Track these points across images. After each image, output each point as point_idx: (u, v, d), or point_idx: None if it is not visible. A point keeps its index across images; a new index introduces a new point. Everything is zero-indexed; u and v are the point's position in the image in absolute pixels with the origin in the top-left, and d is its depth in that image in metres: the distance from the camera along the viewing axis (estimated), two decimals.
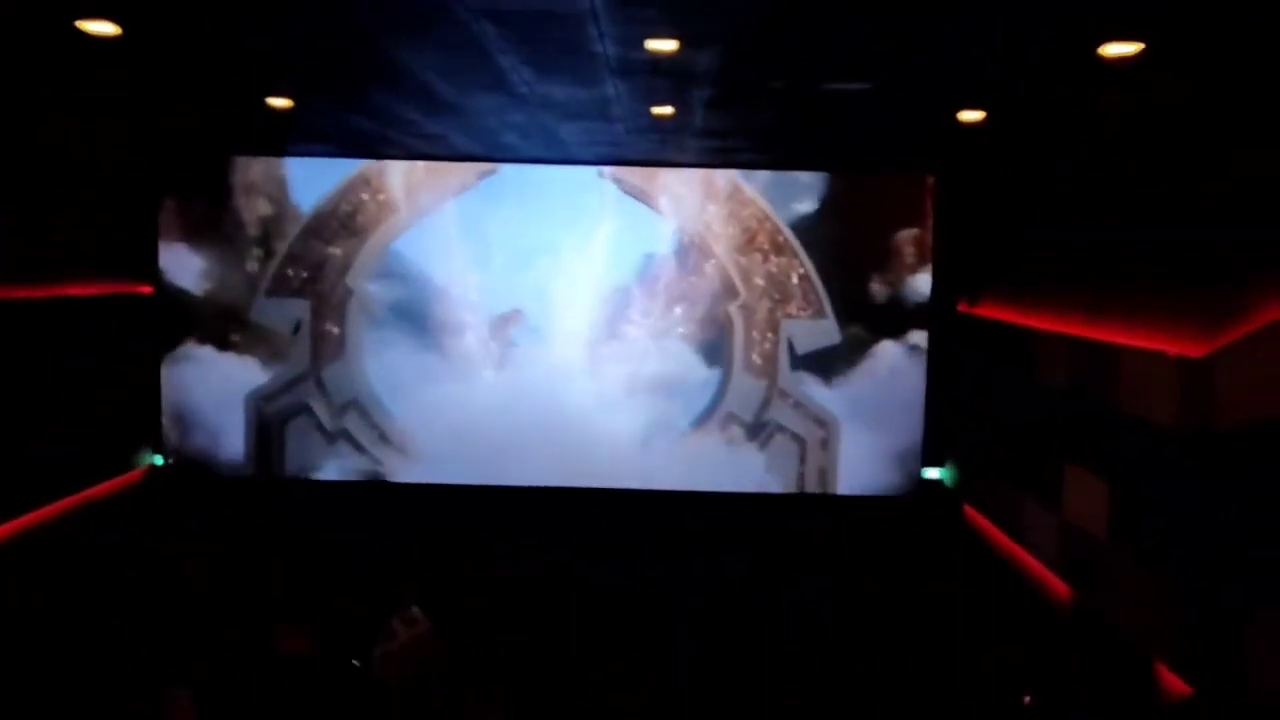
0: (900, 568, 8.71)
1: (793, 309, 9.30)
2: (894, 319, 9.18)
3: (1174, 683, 5.03)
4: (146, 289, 8.91)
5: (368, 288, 9.30)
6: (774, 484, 9.37)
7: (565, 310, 9.35)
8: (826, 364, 9.32)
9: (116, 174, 8.40)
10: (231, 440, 9.35)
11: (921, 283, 9.12)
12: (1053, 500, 6.62)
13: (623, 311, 9.33)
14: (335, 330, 9.39)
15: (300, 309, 9.32)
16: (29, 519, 7.18)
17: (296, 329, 9.37)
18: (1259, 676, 4.38)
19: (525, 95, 5.90)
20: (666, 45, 4.62)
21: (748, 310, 9.34)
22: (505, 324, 9.37)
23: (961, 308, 8.82)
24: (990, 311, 8.21)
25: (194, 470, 9.23)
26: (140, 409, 8.91)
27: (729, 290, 9.31)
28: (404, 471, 9.40)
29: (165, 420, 9.23)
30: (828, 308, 9.27)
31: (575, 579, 8.66)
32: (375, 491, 9.31)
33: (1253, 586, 4.42)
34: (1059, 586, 6.53)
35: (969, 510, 8.57)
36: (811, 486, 9.36)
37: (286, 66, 5.52)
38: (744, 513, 9.16)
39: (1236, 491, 4.55)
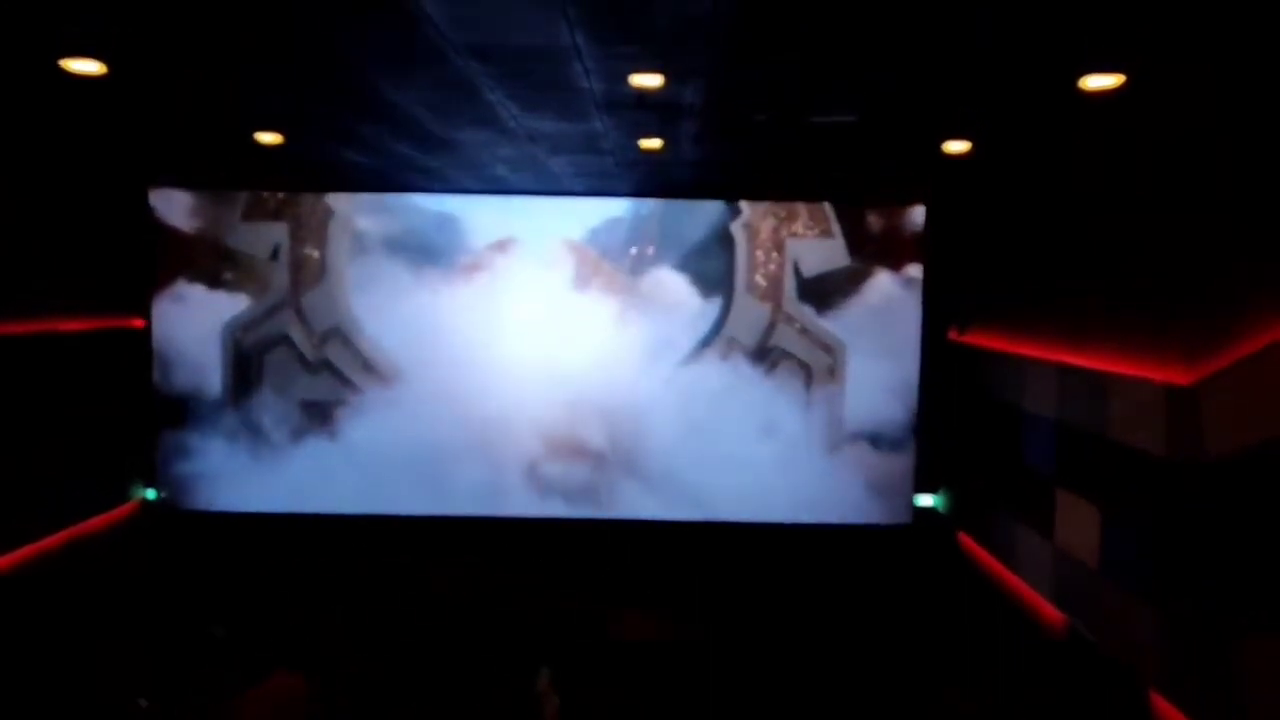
0: (895, 595, 8.68)
1: (799, 227, 8.97)
2: (892, 249, 8.92)
3: (1166, 709, 5.01)
4: (138, 323, 8.92)
5: (349, 208, 8.95)
6: (780, 412, 9.07)
7: (560, 231, 9.04)
8: (832, 288, 8.99)
9: (107, 210, 8.44)
10: (213, 375, 9.06)
11: (916, 215, 8.92)
12: (1045, 528, 6.61)
13: (619, 234, 9.03)
14: (315, 254, 9.02)
15: (278, 233, 8.97)
16: (23, 553, 7.17)
17: (275, 254, 9.01)
18: (1252, 703, 4.36)
19: (514, 129, 5.94)
20: (650, 81, 4.65)
21: (751, 229, 9.01)
22: (497, 249, 9.08)
23: (952, 336, 8.83)
24: (980, 339, 8.22)
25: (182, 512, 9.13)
26: (133, 443, 8.88)
27: (731, 207, 8.97)
28: (387, 401, 9.09)
29: (155, 358, 8.99)
30: (835, 227, 8.92)
31: (560, 603, 8.61)
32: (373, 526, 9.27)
33: (1243, 613, 4.41)
34: (1052, 613, 6.50)
35: (963, 537, 8.54)
36: (818, 414, 9.07)
37: (277, 104, 5.55)
38: (736, 540, 9.12)
39: (1225, 517, 4.55)
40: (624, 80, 4.69)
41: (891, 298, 8.99)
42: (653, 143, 6.29)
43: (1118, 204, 5.88)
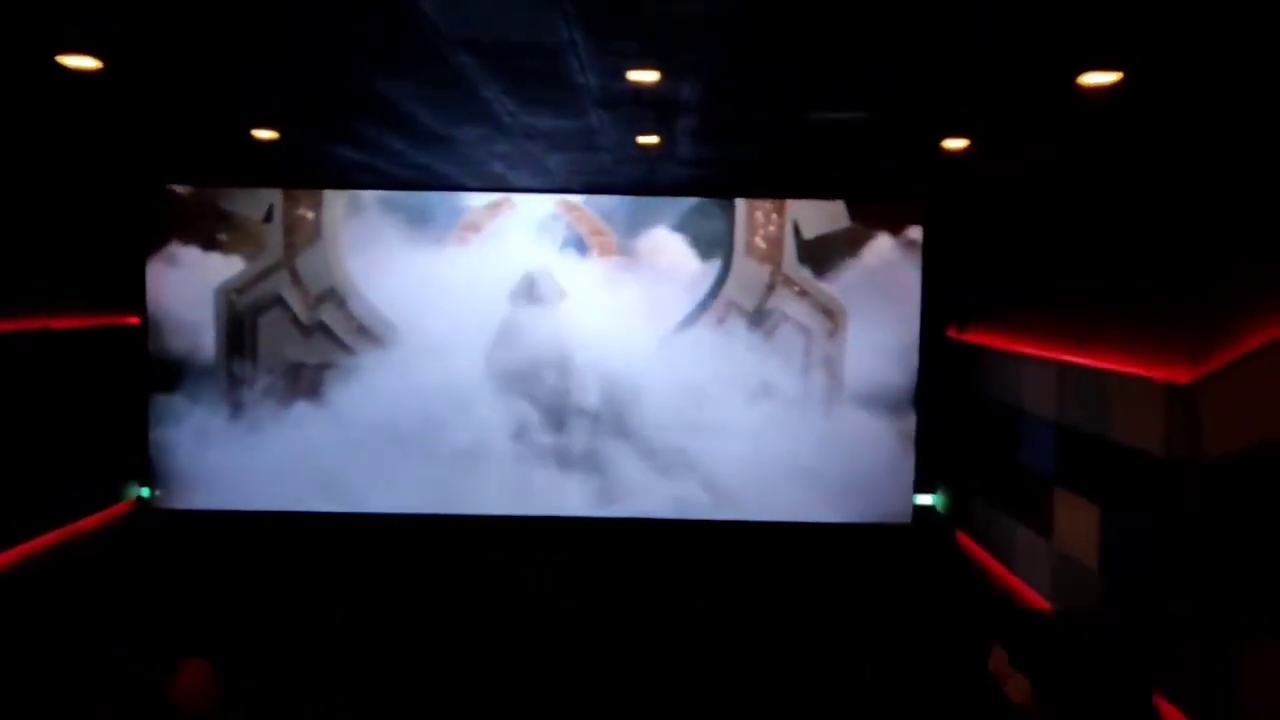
0: (892, 595, 8.65)
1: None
2: (891, 211, 8.83)
3: (1166, 710, 4.98)
4: (134, 320, 8.88)
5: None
6: (778, 377, 8.99)
7: (555, 191, 8.94)
8: (832, 250, 8.92)
9: (101, 206, 8.41)
10: (206, 338, 8.99)
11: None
12: (1044, 528, 6.59)
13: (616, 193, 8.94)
14: (310, 215, 8.95)
15: (273, 194, 8.92)
16: (16, 552, 7.15)
17: (269, 216, 8.94)
18: (1254, 705, 4.34)
19: (510, 126, 5.91)
20: (647, 76, 4.63)
21: None
22: (494, 210, 8.99)
23: (951, 334, 8.81)
24: (979, 338, 8.20)
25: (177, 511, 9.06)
26: (128, 441, 8.86)
27: None
28: (381, 364, 9.02)
29: (148, 322, 8.91)
30: None
31: (546, 600, 8.58)
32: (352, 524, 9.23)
33: (1242, 614, 4.39)
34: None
35: (962, 537, 8.52)
36: (817, 378, 9.00)
37: (272, 100, 5.52)
38: (735, 538, 9.09)
39: (1223, 519, 4.52)
40: (621, 76, 4.67)
41: (891, 261, 8.92)
42: (650, 139, 6.26)
43: (1118, 202, 5.86)
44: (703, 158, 7.00)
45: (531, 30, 4.01)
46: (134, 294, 8.87)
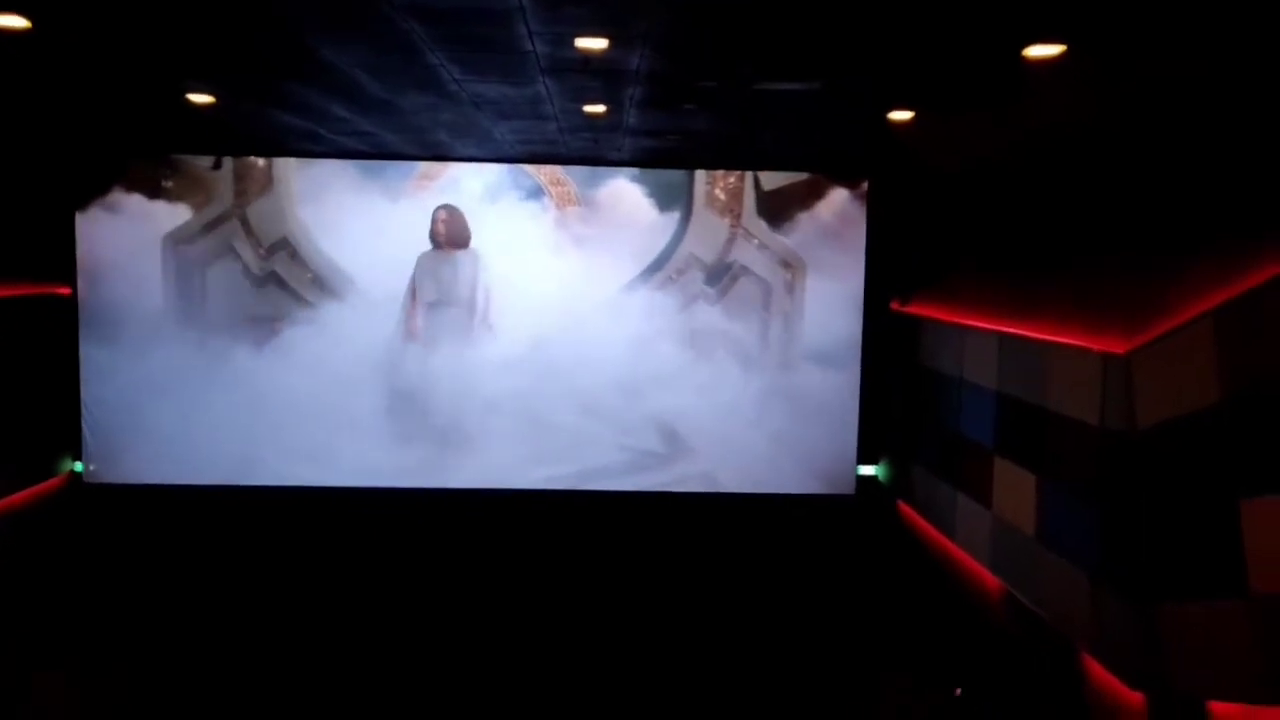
0: (835, 565, 8.79)
1: None
2: (842, 164, 8.82)
3: (1098, 671, 5.13)
4: (64, 290, 8.61)
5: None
6: (737, 330, 9.02)
7: (502, 161, 8.79)
8: (790, 202, 8.93)
9: (31, 173, 8.14)
10: (152, 290, 8.69)
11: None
12: (983, 496, 6.72)
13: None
14: (260, 163, 8.67)
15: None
16: None
17: (217, 163, 8.66)
18: (1176, 665, 4.49)
19: (456, 93, 5.82)
20: (596, 44, 4.58)
21: None
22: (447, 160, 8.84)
23: (894, 306, 8.91)
24: (922, 310, 8.31)
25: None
26: (60, 414, 8.61)
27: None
28: (338, 317, 8.83)
29: (91, 276, 8.57)
30: None
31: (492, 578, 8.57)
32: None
33: (1171, 579, 4.53)
34: (990, 581, 6.63)
35: (903, 507, 8.66)
36: (776, 333, 9.03)
37: (207, 60, 5.36)
38: (680, 510, 9.14)
39: (1152, 488, 4.65)
40: (569, 43, 4.62)
41: (849, 214, 8.93)
42: (597, 108, 6.22)
43: (1059, 175, 5.95)
44: (649, 128, 6.96)
45: None
46: (66, 262, 8.58)
